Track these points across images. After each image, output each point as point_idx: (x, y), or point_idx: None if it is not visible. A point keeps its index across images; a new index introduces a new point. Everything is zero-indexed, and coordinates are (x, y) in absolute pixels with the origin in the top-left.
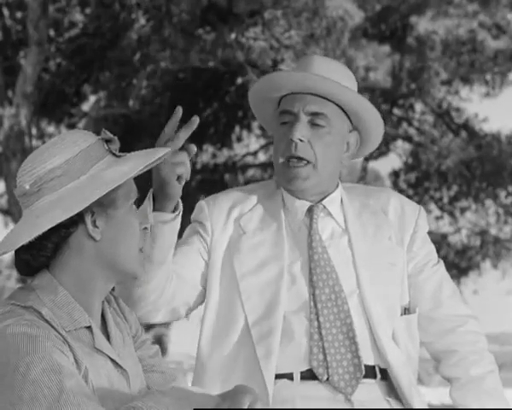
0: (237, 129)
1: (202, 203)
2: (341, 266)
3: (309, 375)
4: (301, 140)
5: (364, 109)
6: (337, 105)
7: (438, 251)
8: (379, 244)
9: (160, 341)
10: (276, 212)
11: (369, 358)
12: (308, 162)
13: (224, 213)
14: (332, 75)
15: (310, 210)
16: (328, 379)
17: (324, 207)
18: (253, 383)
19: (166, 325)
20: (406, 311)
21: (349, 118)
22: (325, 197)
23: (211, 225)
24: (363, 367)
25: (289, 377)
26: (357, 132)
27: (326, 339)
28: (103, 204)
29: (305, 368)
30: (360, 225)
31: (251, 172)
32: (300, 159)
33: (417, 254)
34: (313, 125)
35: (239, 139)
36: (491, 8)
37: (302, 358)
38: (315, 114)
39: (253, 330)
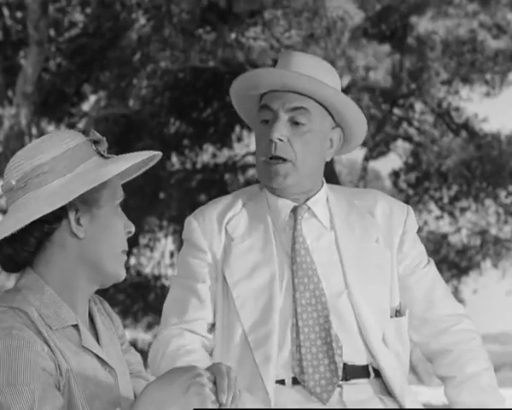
0: (237, 129)
1: (192, 221)
2: (328, 267)
3: (297, 381)
4: (281, 140)
5: (345, 107)
6: (318, 102)
7: (438, 251)
8: (366, 246)
9: None
10: (262, 214)
11: (361, 358)
12: (288, 161)
13: (215, 224)
14: (310, 71)
15: (294, 211)
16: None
17: (309, 207)
18: (255, 389)
19: None
20: (397, 313)
21: (331, 114)
22: (310, 198)
23: (207, 244)
24: (340, 373)
25: (281, 383)
26: (340, 129)
27: (304, 345)
28: (88, 202)
29: (291, 375)
30: (347, 225)
31: (251, 172)
32: (280, 158)
33: (408, 255)
34: (293, 123)
35: (239, 139)
36: (492, 7)
37: (288, 364)
38: (295, 109)
39: (249, 336)
